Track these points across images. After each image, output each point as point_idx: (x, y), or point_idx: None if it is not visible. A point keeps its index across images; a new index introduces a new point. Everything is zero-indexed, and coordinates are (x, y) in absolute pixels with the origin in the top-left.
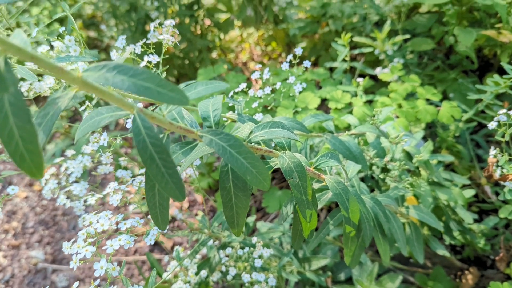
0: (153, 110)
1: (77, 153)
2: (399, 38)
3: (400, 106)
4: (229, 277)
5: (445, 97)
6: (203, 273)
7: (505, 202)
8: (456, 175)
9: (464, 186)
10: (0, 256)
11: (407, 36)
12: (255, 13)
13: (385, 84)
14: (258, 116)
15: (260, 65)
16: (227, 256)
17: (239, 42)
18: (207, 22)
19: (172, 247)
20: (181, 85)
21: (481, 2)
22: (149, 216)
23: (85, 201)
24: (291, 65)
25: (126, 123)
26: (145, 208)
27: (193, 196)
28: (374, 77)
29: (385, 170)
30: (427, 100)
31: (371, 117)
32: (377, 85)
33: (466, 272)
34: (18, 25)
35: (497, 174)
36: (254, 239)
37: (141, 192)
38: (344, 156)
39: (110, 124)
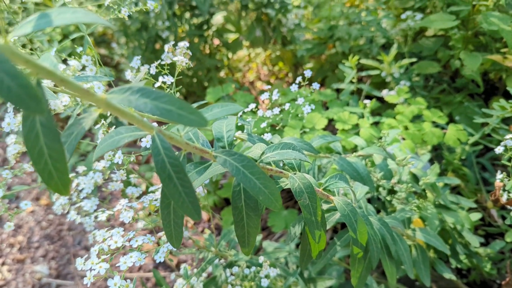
0: (164, 129)
1: (88, 169)
2: (405, 61)
3: (406, 128)
4: None
5: (451, 120)
6: None
7: (511, 226)
8: (463, 198)
9: (470, 209)
10: (4, 270)
11: (414, 59)
12: (264, 34)
13: (391, 105)
14: (267, 136)
15: (268, 86)
16: (233, 274)
17: (246, 61)
18: (216, 41)
19: (177, 265)
20: (193, 105)
21: (487, 28)
22: (159, 233)
23: (95, 217)
24: (299, 85)
25: (141, 141)
26: (153, 224)
27: None
28: (380, 99)
29: (391, 192)
30: (433, 122)
31: (378, 139)
32: (383, 107)
33: None
34: (31, 41)
35: (504, 198)
36: (261, 259)
37: (147, 209)
38: (351, 177)
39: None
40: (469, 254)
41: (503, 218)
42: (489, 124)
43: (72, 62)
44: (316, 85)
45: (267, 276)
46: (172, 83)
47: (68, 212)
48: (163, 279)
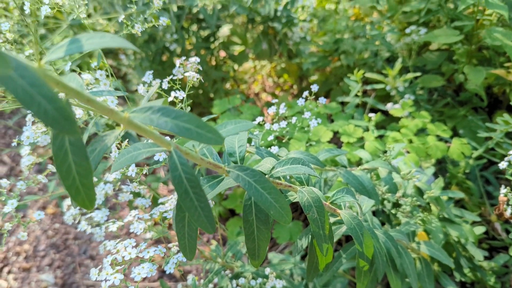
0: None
1: (98, 181)
2: (410, 75)
3: (410, 141)
4: None
5: (455, 133)
6: None
7: None
8: (467, 211)
9: (474, 223)
10: (10, 278)
11: (418, 74)
12: (270, 47)
13: (396, 118)
14: (274, 149)
15: (273, 98)
16: (239, 286)
17: (252, 73)
18: (222, 53)
19: (182, 275)
20: (204, 119)
21: (491, 43)
22: (169, 244)
23: (106, 227)
24: (306, 98)
25: (154, 155)
26: (162, 235)
27: None
28: (385, 112)
29: (396, 205)
30: (437, 136)
31: (384, 153)
32: (388, 119)
33: None
34: (42, 53)
35: (507, 213)
36: (267, 270)
37: (153, 219)
38: (357, 190)
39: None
40: (473, 267)
41: (507, 232)
42: (493, 138)
43: (85, 75)
44: (322, 100)
45: None
46: (183, 98)
47: (79, 222)
48: None
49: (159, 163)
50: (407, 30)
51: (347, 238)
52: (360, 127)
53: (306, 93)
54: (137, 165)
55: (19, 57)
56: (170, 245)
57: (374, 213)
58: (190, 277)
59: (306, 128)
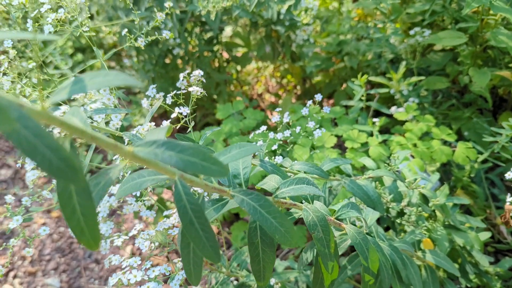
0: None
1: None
2: (414, 79)
3: (415, 145)
4: None
5: (459, 135)
6: None
7: None
8: (472, 218)
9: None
10: (16, 283)
11: (422, 77)
12: (273, 50)
13: (400, 121)
14: (278, 159)
15: (276, 98)
16: None
17: (255, 74)
18: (225, 55)
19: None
20: (207, 131)
21: (496, 45)
22: (174, 260)
23: (111, 241)
24: (313, 102)
25: None
26: (168, 250)
27: None
28: (389, 114)
29: (401, 214)
30: (442, 140)
31: (388, 158)
32: (392, 122)
33: None
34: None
35: None
36: (272, 281)
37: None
38: (361, 200)
39: None
40: (478, 273)
41: None
42: (498, 142)
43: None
44: (327, 109)
45: None
46: (188, 113)
47: None
48: None
49: (162, 186)
50: (411, 32)
51: (352, 248)
52: (365, 132)
53: (310, 102)
54: None
55: (21, 102)
56: (175, 260)
57: (379, 220)
58: None
59: (310, 137)
